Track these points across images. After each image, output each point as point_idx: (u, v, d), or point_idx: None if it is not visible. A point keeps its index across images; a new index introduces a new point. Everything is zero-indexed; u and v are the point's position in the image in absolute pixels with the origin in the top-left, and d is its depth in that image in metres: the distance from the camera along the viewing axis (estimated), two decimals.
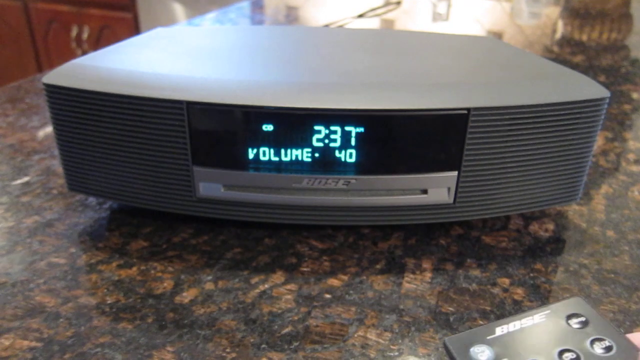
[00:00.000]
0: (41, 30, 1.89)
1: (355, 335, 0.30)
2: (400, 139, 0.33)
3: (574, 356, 0.21)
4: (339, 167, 0.34)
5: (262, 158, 0.34)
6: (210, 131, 0.33)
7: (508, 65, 0.39)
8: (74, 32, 1.82)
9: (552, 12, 1.16)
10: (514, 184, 0.36)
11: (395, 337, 0.30)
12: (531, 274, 0.35)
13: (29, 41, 1.93)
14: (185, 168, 0.35)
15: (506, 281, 0.34)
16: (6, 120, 0.55)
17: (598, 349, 0.21)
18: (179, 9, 1.72)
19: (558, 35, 0.97)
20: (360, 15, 0.99)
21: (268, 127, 0.33)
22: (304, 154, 0.34)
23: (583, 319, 0.23)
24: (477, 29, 0.98)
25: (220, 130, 0.33)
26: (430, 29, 0.97)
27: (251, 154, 0.34)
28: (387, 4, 1.11)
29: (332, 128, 0.33)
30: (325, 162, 0.34)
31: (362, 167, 0.34)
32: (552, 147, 0.35)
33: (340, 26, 0.92)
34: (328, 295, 0.33)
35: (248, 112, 0.33)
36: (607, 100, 0.35)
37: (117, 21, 1.76)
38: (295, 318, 0.31)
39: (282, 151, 0.34)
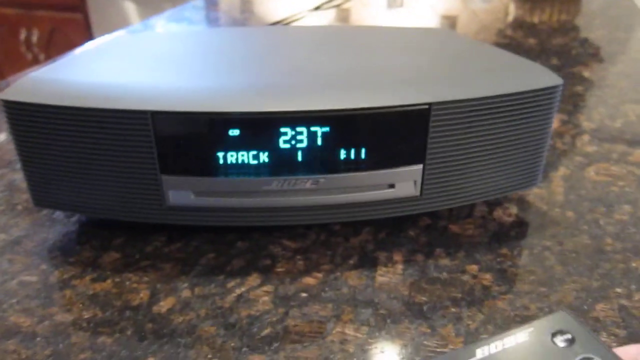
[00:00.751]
0: None
1: (334, 332, 0.31)
2: (365, 136, 0.34)
3: None
4: (307, 167, 0.35)
5: (230, 163, 0.34)
6: (176, 139, 0.34)
7: (465, 58, 0.40)
8: (22, 35, 1.77)
9: None
10: (477, 173, 0.37)
11: (372, 330, 0.31)
12: (498, 259, 0.36)
13: None
14: (154, 177, 0.35)
15: (474, 268, 0.36)
16: None
17: None
18: (131, 8, 1.69)
19: (510, 18, 1.00)
20: (317, 8, 0.99)
21: (234, 132, 0.33)
22: (271, 157, 0.34)
23: (569, 336, 0.22)
24: (431, 15, 1.00)
25: (186, 137, 0.34)
26: (385, 17, 0.98)
27: (219, 159, 0.34)
28: None
29: (298, 129, 0.34)
30: (293, 163, 0.35)
31: (330, 166, 0.35)
32: (512, 135, 0.36)
33: (297, 21, 0.93)
34: (304, 294, 0.33)
35: (213, 119, 0.33)
36: (561, 88, 0.37)
37: (67, 22, 1.71)
38: (274, 319, 0.32)
39: (250, 155, 0.34)
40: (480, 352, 0.21)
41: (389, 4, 1.13)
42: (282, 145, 0.34)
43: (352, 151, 0.35)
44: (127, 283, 0.34)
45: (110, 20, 1.69)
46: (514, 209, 0.42)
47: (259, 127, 0.33)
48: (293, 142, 0.34)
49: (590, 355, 0.21)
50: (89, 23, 1.71)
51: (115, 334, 0.31)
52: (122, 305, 0.33)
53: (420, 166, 0.36)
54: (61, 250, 0.37)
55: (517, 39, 0.85)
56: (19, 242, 0.38)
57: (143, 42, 0.44)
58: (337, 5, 1.05)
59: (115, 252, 0.37)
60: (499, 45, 0.82)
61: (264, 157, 0.34)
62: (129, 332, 0.31)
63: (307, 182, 0.35)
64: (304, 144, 0.34)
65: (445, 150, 0.35)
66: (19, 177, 0.46)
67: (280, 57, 0.41)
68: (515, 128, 0.36)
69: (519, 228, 0.39)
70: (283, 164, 0.35)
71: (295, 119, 0.33)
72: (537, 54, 0.77)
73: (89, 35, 1.70)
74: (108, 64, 0.38)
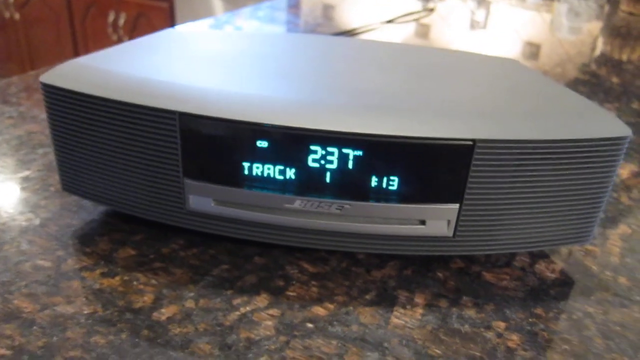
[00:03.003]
0: (80, 14, 1.92)
1: None
2: (400, 166, 0.32)
3: None
4: (334, 190, 0.33)
5: (254, 175, 0.33)
6: (202, 144, 0.32)
7: (525, 95, 0.37)
8: (111, 17, 1.84)
9: (593, 28, 1.11)
10: (520, 220, 0.34)
11: None
12: (530, 319, 0.33)
13: (67, 24, 1.96)
14: (176, 179, 0.34)
15: (502, 325, 0.32)
16: (19, 109, 0.55)
17: None
18: (215, 1, 1.72)
19: (597, 53, 0.94)
20: (390, 21, 0.97)
21: (262, 144, 0.32)
22: (298, 174, 0.32)
23: None
24: (514, 41, 0.95)
25: (212, 143, 0.32)
26: (464, 38, 0.94)
27: (243, 170, 0.33)
28: (423, 10, 1.08)
29: (329, 149, 0.32)
30: (320, 184, 0.33)
31: (358, 192, 0.33)
32: (564, 184, 0.33)
33: (367, 32, 0.90)
34: (310, 325, 0.31)
35: (241, 128, 0.31)
36: (628, 139, 0.33)
37: (153, 10, 1.77)
38: (273, 347, 0.30)
39: (276, 169, 0.33)
40: None
41: (471, 25, 1.09)
42: (310, 163, 0.32)
43: (384, 180, 0.32)
44: (135, 283, 0.34)
45: (194, 10, 1.73)
46: (559, 265, 0.38)
47: (288, 142, 0.32)
48: (322, 162, 0.32)
49: None
50: (173, 12, 1.76)
51: (109, 335, 0.30)
52: (123, 306, 0.32)
53: (457, 206, 0.33)
54: (80, 238, 0.37)
55: (600, 76, 0.79)
56: (44, 225, 0.38)
57: (194, 40, 0.43)
58: (416, 20, 1.02)
59: (132, 248, 0.36)
60: (578, 80, 0.76)
61: (290, 173, 0.33)
62: (123, 336, 0.30)
63: (332, 205, 0.33)
64: (334, 166, 0.32)
65: (486, 192, 0.32)
66: None
67: (329, 71, 0.39)
68: (569, 177, 0.33)
69: (561, 287, 0.36)
70: (309, 183, 0.33)
71: (327, 138, 0.31)
72: (618, 95, 0.71)
73: (171, 23, 1.75)
74: (151, 59, 0.37)
